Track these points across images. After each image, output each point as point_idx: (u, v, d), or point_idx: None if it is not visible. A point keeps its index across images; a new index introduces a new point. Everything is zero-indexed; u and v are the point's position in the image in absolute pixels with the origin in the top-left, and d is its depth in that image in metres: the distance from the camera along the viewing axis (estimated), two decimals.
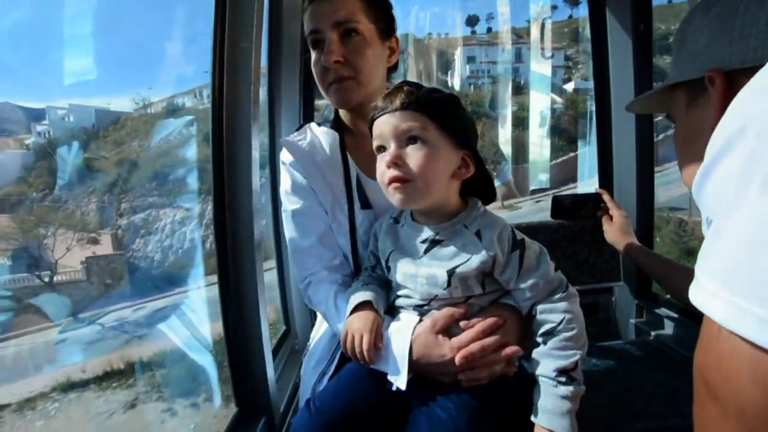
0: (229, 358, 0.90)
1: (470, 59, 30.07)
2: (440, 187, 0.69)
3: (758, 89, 0.30)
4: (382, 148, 0.70)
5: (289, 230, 0.88)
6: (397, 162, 0.67)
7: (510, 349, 0.67)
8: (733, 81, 0.48)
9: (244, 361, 0.90)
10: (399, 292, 0.74)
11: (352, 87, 0.80)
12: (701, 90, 0.52)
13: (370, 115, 0.72)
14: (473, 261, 0.67)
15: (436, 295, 0.69)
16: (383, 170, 0.69)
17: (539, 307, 0.67)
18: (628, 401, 1.01)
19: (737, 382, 0.26)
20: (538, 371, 0.66)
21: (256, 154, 0.83)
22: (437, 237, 0.70)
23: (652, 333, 1.33)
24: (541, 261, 0.69)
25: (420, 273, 0.70)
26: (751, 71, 0.32)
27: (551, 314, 0.66)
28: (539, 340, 0.67)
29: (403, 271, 0.72)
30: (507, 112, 20.99)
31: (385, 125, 0.68)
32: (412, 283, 0.71)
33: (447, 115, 0.69)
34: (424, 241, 0.71)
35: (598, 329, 1.46)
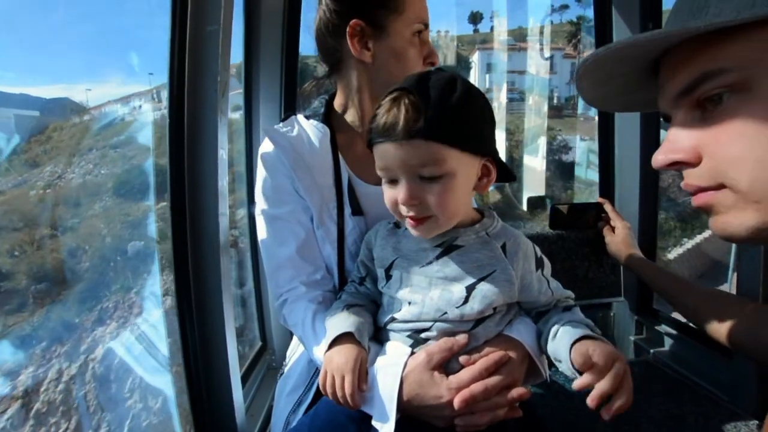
0: (188, 382, 0.79)
1: (490, 67, 23.20)
2: (463, 210, 0.62)
3: None
4: (389, 175, 0.60)
5: (263, 238, 0.78)
6: (413, 202, 0.57)
7: (516, 392, 0.58)
8: None
9: (206, 385, 0.79)
10: (395, 314, 0.63)
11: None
12: None
13: (368, 137, 0.60)
14: (498, 277, 0.60)
15: (446, 313, 0.60)
16: (395, 200, 0.59)
17: None
18: (623, 426, 0.94)
19: None
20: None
21: (223, 153, 0.73)
22: (456, 242, 0.61)
23: (652, 351, 1.27)
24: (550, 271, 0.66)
25: (432, 285, 0.61)
26: None
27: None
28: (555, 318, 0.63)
29: (410, 282, 0.62)
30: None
31: (389, 157, 0.57)
32: (420, 296, 0.61)
33: (465, 129, 0.56)
34: (439, 245, 0.62)
35: None
